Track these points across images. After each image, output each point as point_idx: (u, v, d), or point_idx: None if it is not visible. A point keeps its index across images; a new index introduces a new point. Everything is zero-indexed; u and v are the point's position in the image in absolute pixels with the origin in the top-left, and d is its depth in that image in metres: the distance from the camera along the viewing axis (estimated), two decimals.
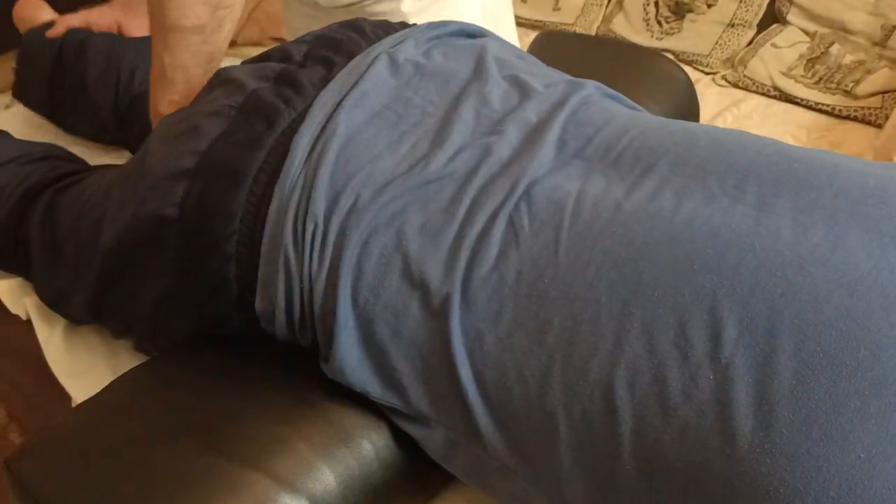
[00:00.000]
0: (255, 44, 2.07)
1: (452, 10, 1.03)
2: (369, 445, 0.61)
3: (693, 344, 0.47)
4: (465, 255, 0.56)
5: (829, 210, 0.50)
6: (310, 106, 0.65)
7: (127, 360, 0.79)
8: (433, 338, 0.55)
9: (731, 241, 0.50)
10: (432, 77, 0.69)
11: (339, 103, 0.65)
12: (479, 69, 0.70)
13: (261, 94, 0.67)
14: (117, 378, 0.66)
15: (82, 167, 0.93)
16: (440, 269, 0.56)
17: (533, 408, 0.52)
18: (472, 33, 0.79)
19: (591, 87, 0.70)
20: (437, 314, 0.55)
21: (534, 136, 0.62)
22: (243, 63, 0.76)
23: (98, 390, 0.76)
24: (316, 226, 0.59)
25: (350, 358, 0.59)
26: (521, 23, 1.92)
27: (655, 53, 1.16)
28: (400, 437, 0.62)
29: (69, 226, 0.78)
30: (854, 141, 1.50)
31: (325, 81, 0.68)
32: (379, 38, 0.74)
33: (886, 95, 1.53)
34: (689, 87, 1.09)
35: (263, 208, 0.61)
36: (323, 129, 0.63)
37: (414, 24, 0.79)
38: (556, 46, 1.16)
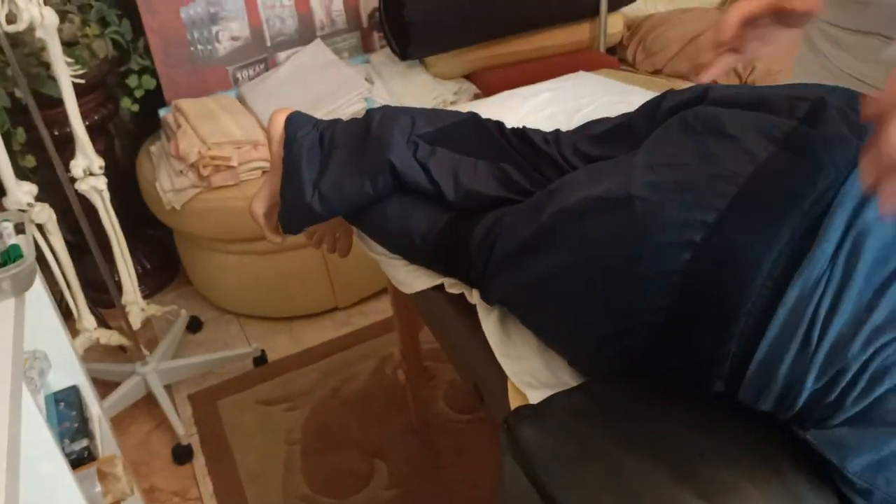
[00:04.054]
0: (681, 77, 2.13)
1: None
2: None
3: None
4: None
5: None
6: (835, 190, 0.62)
7: (557, 357, 0.86)
8: None
9: None
10: None
11: (867, 197, 0.61)
12: None
13: (774, 168, 0.64)
14: (593, 381, 0.74)
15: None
16: None
17: None
18: None
19: None
20: None
21: None
22: (730, 105, 0.73)
23: (530, 376, 0.86)
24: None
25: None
26: None
27: None
28: None
29: (525, 242, 0.82)
30: None
31: (850, 164, 0.64)
32: None
33: None
34: None
35: (776, 297, 0.61)
36: (851, 223, 0.61)
37: None
38: None
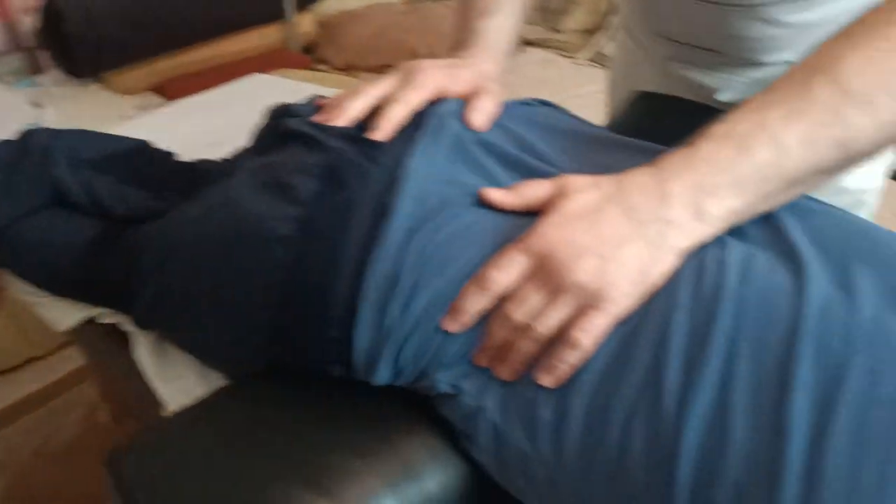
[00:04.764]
0: (371, 70, 2.18)
1: None
2: (434, 484, 0.63)
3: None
4: None
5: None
6: (398, 162, 0.67)
7: (215, 371, 0.81)
8: None
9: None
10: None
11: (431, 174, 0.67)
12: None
13: (347, 156, 0.69)
14: (213, 392, 0.71)
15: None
16: None
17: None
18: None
19: None
20: None
21: None
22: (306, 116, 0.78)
23: (184, 395, 0.81)
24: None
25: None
26: None
27: None
28: (465, 478, 0.64)
29: (155, 259, 0.78)
30: None
31: (409, 136, 0.70)
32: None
33: None
34: None
35: (364, 271, 0.62)
36: (416, 199, 0.65)
37: None
38: None
